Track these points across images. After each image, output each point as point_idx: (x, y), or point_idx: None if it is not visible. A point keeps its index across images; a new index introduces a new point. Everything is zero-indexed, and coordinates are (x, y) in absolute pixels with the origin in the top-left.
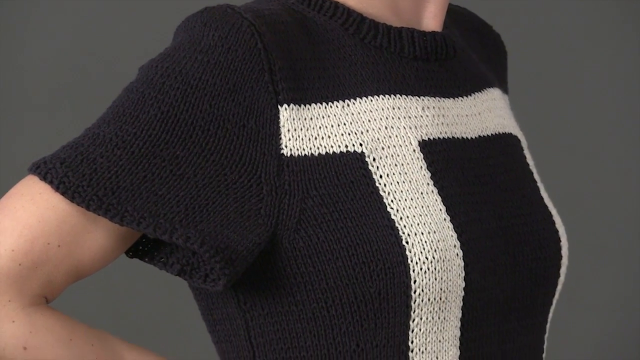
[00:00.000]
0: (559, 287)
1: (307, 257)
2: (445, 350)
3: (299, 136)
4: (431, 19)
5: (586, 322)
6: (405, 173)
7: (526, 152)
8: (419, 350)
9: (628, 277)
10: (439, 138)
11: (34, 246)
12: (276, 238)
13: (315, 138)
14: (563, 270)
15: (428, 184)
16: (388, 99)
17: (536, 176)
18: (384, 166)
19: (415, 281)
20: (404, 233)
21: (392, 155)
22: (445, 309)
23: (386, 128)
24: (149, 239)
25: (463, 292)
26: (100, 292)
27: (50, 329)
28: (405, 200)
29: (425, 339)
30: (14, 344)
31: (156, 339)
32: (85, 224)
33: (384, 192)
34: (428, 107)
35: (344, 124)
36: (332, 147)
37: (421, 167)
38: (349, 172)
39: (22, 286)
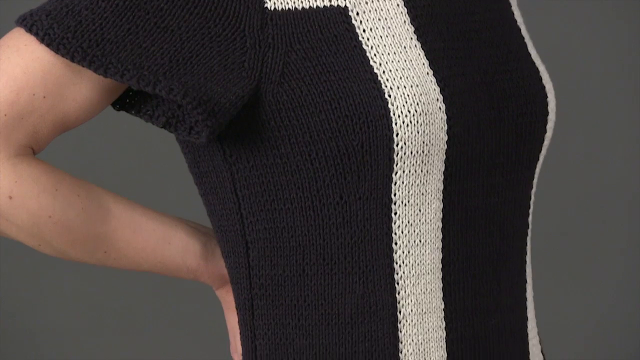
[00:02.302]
0: (546, 142)
1: (290, 110)
2: (428, 203)
3: None
4: None
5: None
6: (389, 27)
7: (514, 9)
8: (402, 202)
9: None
10: None
11: (19, 97)
12: (260, 91)
13: None
14: (550, 126)
15: (411, 38)
16: None
17: (524, 32)
18: (367, 20)
19: (397, 134)
20: (386, 86)
21: (375, 10)
22: (428, 162)
23: None
24: (135, 92)
25: (446, 146)
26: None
27: (36, 179)
28: (388, 54)
29: (408, 192)
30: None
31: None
32: (70, 75)
33: (367, 46)
34: None
35: None
36: (315, 1)
37: (404, 21)
38: (332, 26)
39: (8, 137)
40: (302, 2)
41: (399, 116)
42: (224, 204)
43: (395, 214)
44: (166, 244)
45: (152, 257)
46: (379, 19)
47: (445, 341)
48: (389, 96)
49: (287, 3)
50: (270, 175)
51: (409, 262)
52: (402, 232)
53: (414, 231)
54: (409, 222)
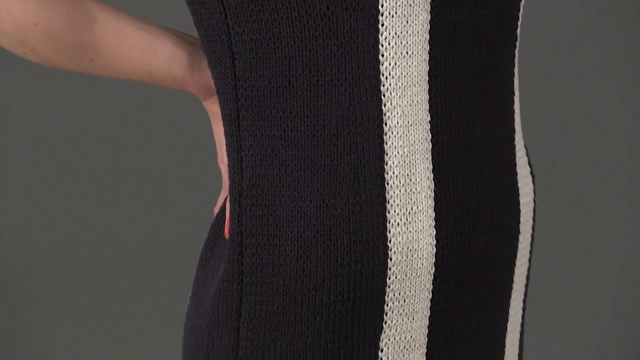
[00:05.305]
0: None
1: None
2: (415, 14)
3: None
4: None
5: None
6: None
7: None
8: (389, 14)
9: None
10: None
11: None
12: None
13: None
14: None
15: None
16: None
17: None
18: None
19: None
20: None
21: None
22: None
23: None
24: None
25: None
26: None
27: None
28: None
29: (396, 3)
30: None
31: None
32: None
33: None
34: None
35: None
36: None
37: None
38: None
39: None
40: None
41: None
42: (210, 14)
43: (383, 25)
44: (152, 53)
45: (139, 66)
46: None
47: (431, 153)
48: None
49: None
50: None
51: (396, 74)
52: (389, 44)
53: (401, 43)
54: (396, 33)
